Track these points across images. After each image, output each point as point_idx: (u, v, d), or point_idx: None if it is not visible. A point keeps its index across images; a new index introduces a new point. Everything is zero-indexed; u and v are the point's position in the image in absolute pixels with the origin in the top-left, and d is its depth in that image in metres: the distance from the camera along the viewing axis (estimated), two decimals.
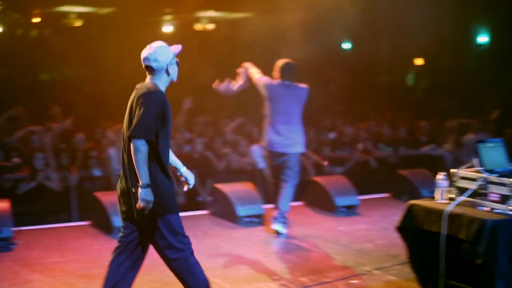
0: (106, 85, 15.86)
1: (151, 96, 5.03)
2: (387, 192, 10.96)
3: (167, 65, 5.21)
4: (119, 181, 5.26)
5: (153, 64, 5.18)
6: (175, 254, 5.18)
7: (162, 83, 5.22)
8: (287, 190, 8.62)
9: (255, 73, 8.75)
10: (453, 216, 5.24)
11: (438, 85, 20.70)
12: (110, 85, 15.29)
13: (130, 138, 4.99)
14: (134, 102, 5.07)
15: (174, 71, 5.30)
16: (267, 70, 9.11)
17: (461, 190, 5.52)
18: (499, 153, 5.58)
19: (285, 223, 8.63)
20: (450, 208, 5.29)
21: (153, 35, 21.68)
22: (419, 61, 22.66)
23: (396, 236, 6.25)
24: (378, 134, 13.25)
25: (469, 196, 5.44)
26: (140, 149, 4.95)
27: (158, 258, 7.30)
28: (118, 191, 5.22)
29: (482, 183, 5.35)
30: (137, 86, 5.21)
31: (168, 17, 22.24)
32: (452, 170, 5.65)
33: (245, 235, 8.62)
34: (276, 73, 8.73)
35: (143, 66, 5.28)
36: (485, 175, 5.36)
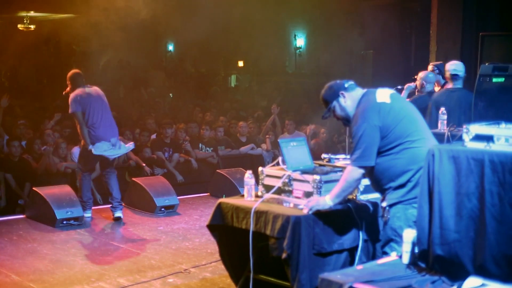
0: None
1: None
2: (207, 192, 11.18)
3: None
4: None
5: (461, 74, 8.57)
6: None
7: None
8: (115, 179, 9.52)
9: None
10: (259, 213, 5.43)
11: (258, 86, 21.27)
12: None
13: None
14: None
15: None
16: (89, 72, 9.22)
17: (268, 188, 5.73)
18: (302, 151, 5.82)
19: (122, 208, 9.55)
20: (256, 205, 5.49)
21: None
22: (240, 63, 23.18)
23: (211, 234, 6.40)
24: (198, 135, 13.44)
25: (275, 193, 5.66)
26: None
27: None
28: None
29: (286, 180, 5.59)
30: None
31: None
32: (259, 169, 5.87)
33: (63, 238, 8.51)
34: (70, 84, 9.37)
35: (449, 75, 8.58)
36: (288, 172, 5.60)
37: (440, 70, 9.77)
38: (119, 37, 14.18)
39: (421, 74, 9.37)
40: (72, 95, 9.22)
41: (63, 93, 9.58)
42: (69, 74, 9.41)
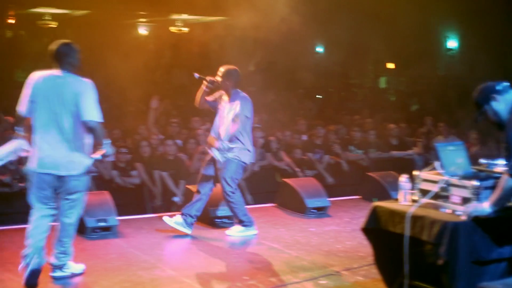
0: None
1: None
2: (358, 195, 11.12)
3: None
4: None
5: None
6: None
7: None
8: None
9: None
10: (415, 218, 5.37)
11: (409, 89, 20.96)
12: None
13: None
14: None
15: None
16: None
17: (424, 192, 5.65)
18: (460, 156, 5.71)
19: None
20: (412, 210, 5.43)
21: (128, 37, 21.79)
22: (390, 65, 22.92)
23: (365, 237, 6.31)
24: (348, 137, 13.41)
25: (431, 198, 5.58)
26: None
27: (129, 258, 7.43)
28: None
29: (444, 185, 5.50)
30: None
31: (143, 20, 22.28)
32: (414, 173, 5.79)
33: (217, 235, 8.70)
34: (231, 81, 8.59)
35: None
36: (446, 177, 5.50)
37: None
38: (268, 39, 14.32)
39: None
40: (246, 98, 8.51)
41: (212, 79, 8.65)
42: (230, 68, 8.65)
